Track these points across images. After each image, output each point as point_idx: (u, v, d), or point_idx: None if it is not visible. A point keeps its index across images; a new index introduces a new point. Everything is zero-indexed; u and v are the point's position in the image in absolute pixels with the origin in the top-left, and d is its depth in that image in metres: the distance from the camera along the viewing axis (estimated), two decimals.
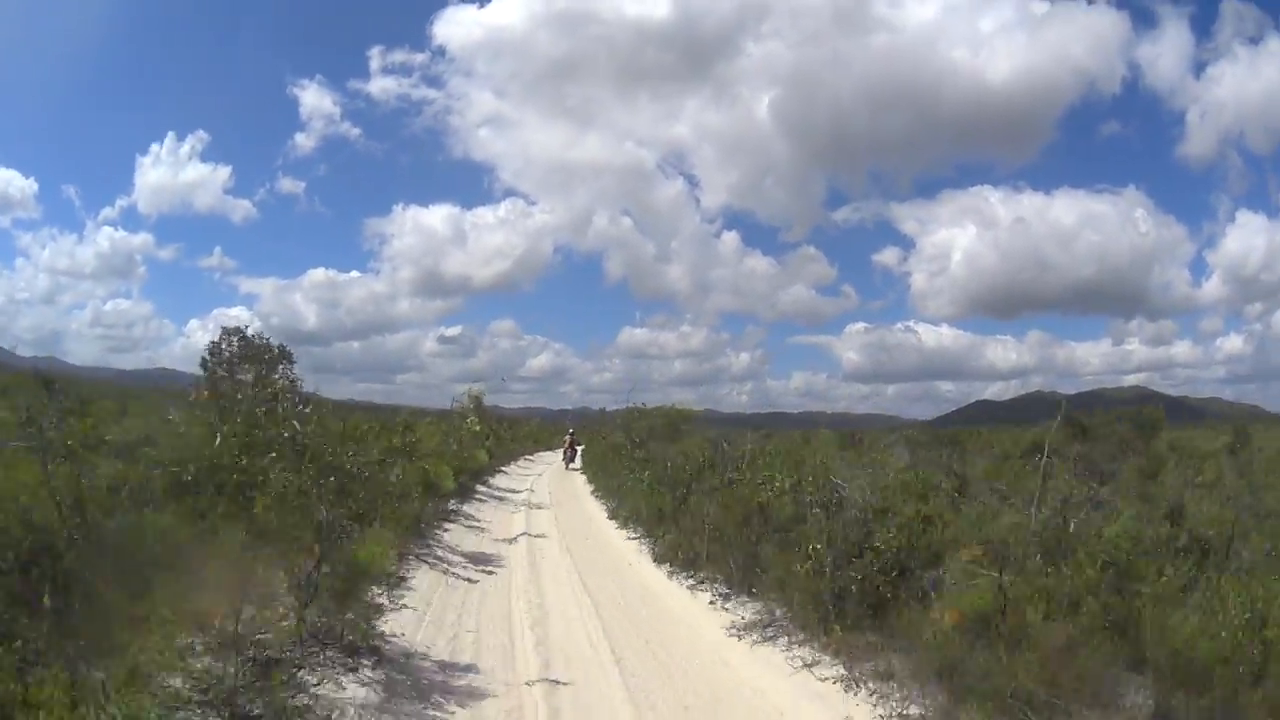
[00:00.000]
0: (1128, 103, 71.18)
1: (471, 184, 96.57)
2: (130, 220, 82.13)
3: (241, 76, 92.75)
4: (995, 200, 72.92)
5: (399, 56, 75.75)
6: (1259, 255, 63.88)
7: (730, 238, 79.90)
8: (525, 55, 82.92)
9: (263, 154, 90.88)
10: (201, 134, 70.26)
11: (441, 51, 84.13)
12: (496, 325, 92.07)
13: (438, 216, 76.75)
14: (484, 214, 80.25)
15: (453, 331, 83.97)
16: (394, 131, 79.46)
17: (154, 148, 70.10)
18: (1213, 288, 67.87)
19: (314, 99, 78.05)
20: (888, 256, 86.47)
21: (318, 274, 74.91)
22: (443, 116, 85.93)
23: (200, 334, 67.54)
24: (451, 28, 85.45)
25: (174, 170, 67.43)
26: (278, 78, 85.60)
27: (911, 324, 79.61)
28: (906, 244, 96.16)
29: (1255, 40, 60.64)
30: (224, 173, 69.55)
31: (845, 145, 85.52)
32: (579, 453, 31.34)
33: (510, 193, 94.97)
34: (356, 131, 74.38)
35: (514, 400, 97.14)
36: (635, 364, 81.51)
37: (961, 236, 74.28)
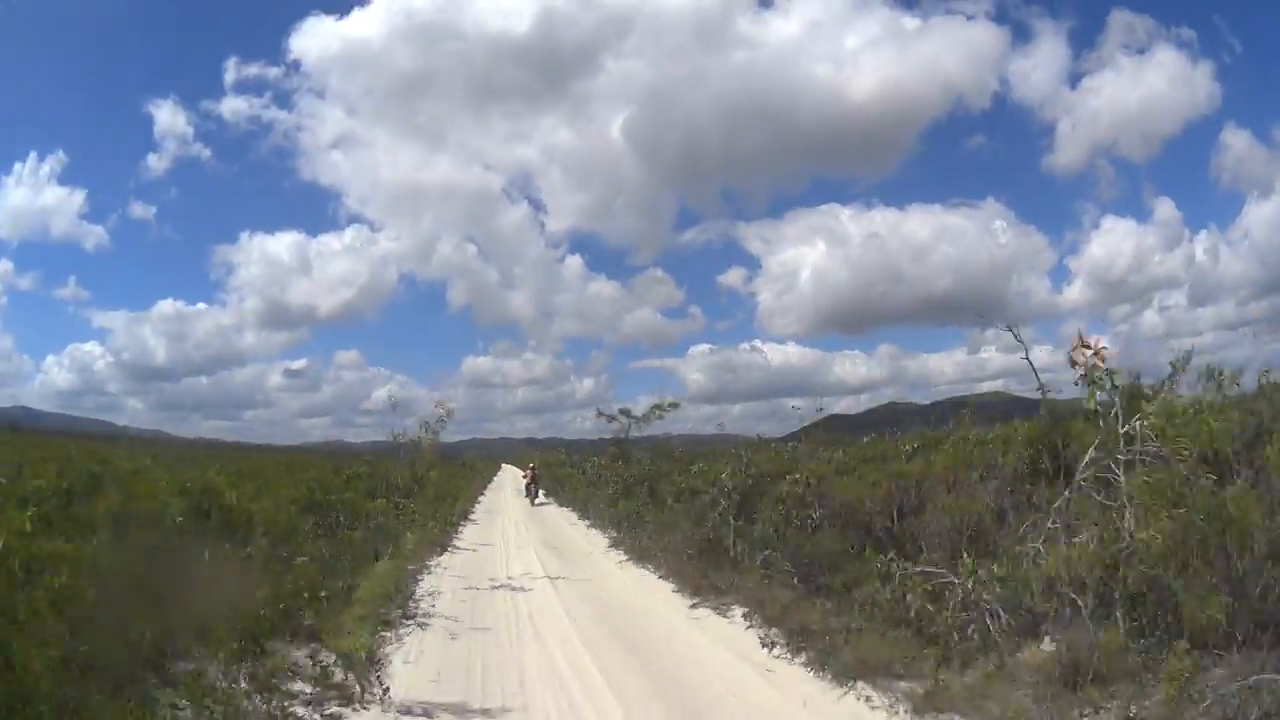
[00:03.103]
0: (995, 117, 71.04)
1: (318, 210, 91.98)
2: None
3: (101, 92, 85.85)
4: (845, 217, 73.04)
5: (254, 70, 70.02)
6: (1125, 259, 65.85)
7: (575, 262, 77.92)
8: (381, 70, 78.13)
9: (117, 176, 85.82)
10: (61, 155, 65.62)
11: (297, 65, 79.44)
12: (341, 357, 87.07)
13: (283, 244, 73.18)
14: (329, 241, 77.48)
15: (298, 365, 79.26)
16: (244, 154, 75.68)
17: (17, 167, 65.17)
18: (1075, 292, 68.73)
19: (168, 118, 72.15)
20: (734, 277, 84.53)
21: (166, 306, 70.98)
22: (293, 135, 79.40)
23: (57, 371, 66.81)
24: (309, 40, 79.58)
25: (34, 192, 63.31)
26: (135, 95, 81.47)
27: (757, 343, 78.47)
28: (753, 264, 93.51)
29: (1142, 50, 61.24)
30: (79, 197, 64.68)
31: (699, 164, 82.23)
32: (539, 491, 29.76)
33: (355, 219, 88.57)
34: (208, 153, 69.82)
35: (359, 435, 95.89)
36: (479, 393, 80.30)
37: (810, 254, 73.61)
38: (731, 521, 11.35)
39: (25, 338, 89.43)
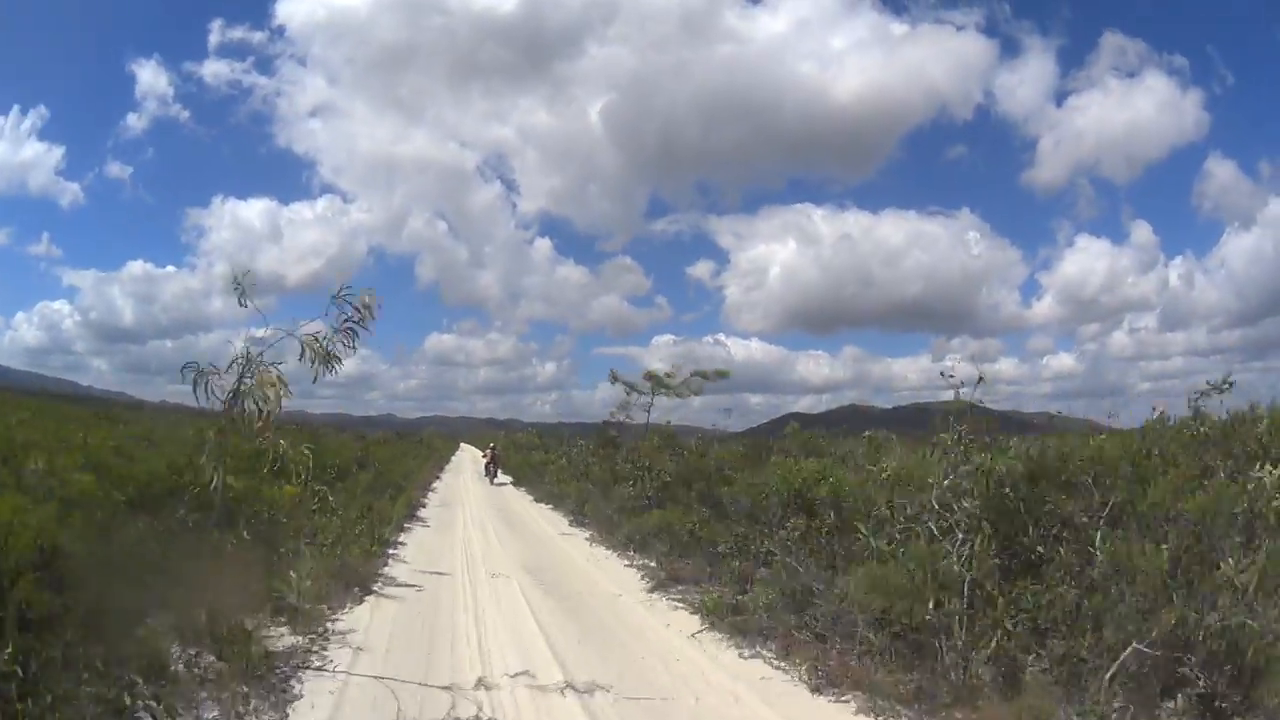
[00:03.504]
0: (978, 128, 70.91)
1: (291, 178, 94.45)
2: None
3: (85, 48, 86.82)
4: (819, 217, 72.87)
5: (238, 34, 71.15)
6: (1099, 279, 66.54)
7: (544, 245, 79.57)
8: (364, 40, 79.69)
9: (96, 134, 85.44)
10: (42, 109, 67.41)
11: (281, 31, 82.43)
12: (307, 327, 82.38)
13: (255, 211, 75.46)
14: (301, 210, 79.07)
15: (263, 333, 72.21)
16: (222, 118, 78.83)
17: (0, 120, 65.44)
18: (1044, 308, 70.19)
19: (150, 77, 74.83)
20: (702, 269, 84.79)
21: (136, 267, 73.01)
22: (272, 101, 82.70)
23: (26, 329, 68.22)
24: (295, 5, 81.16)
25: (14, 146, 64.27)
26: (118, 53, 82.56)
27: (721, 337, 79.42)
28: (722, 258, 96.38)
29: (1133, 74, 61.22)
30: (57, 153, 65.83)
31: (675, 155, 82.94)
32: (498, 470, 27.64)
33: (328, 189, 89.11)
34: (186, 115, 72.40)
35: (319, 406, 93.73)
36: (441, 371, 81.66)
37: (781, 251, 73.88)
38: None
39: None
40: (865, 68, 73.82)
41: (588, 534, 14.60)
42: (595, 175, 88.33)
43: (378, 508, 13.95)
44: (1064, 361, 73.59)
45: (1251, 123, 70.89)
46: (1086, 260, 68.17)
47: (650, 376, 19.60)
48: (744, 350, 77.65)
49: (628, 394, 20.38)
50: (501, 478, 27.33)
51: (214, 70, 68.21)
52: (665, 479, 13.40)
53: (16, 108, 70.23)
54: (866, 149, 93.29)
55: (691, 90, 77.66)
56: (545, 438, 39.82)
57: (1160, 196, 73.82)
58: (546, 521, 16.98)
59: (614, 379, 20.13)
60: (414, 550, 12.32)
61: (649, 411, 20.43)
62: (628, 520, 13.12)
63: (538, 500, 21.21)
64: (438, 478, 28.59)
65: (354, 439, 39.12)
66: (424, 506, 18.51)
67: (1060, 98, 73.15)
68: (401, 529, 13.98)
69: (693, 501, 12.61)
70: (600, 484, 16.93)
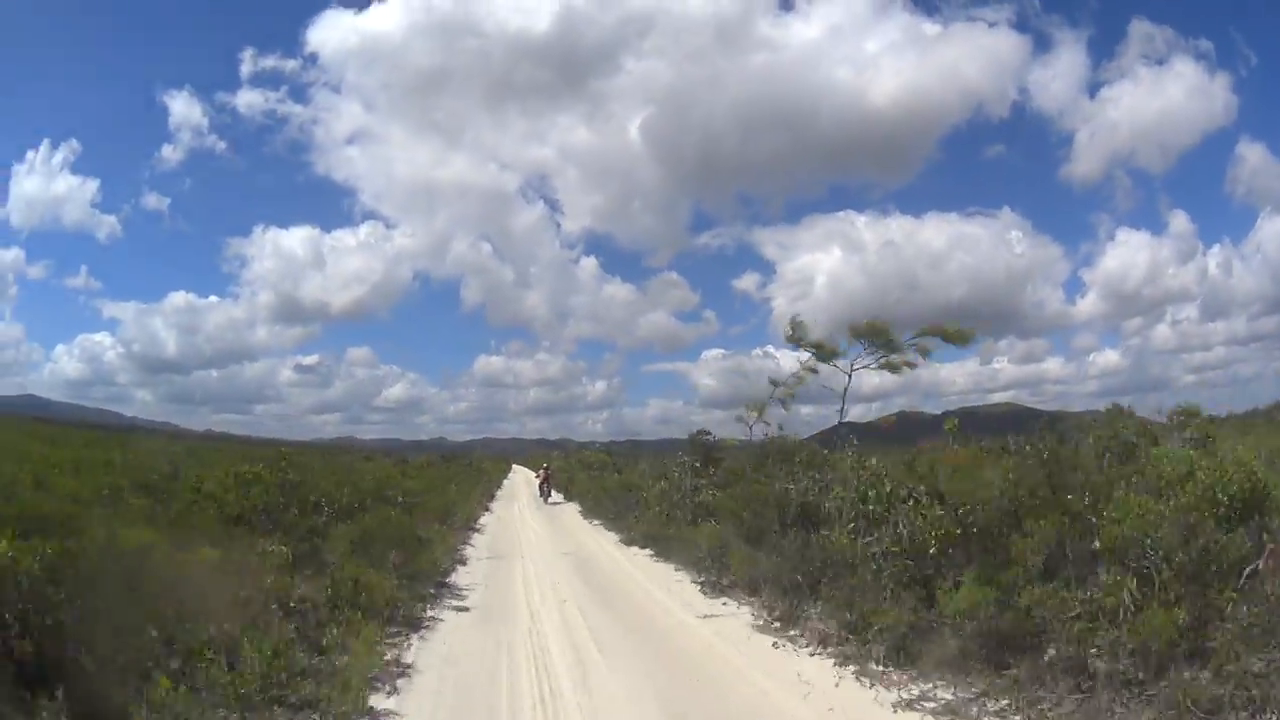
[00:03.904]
0: (1014, 125, 69.55)
1: (332, 205, 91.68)
2: (3, 234, 74.39)
3: (115, 80, 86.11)
4: (861, 224, 71.97)
5: (270, 62, 71.00)
6: (1140, 272, 65.38)
7: (590, 263, 77.84)
8: (398, 65, 76.56)
9: (131, 166, 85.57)
10: (74, 144, 65.11)
11: (314, 59, 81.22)
12: (353, 353, 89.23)
13: (297, 239, 72.62)
14: (343, 237, 76.74)
15: (310, 360, 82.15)
16: (258, 147, 75.48)
17: (29, 155, 66.08)
18: (1088, 305, 68.57)
19: (183, 109, 72.95)
20: (748, 281, 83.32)
21: (178, 298, 71.55)
22: (308, 129, 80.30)
23: (67, 361, 67.55)
24: (326, 33, 78.83)
25: (46, 181, 63.05)
26: (149, 85, 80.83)
27: (770, 349, 74.69)
28: (768, 269, 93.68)
29: (1161, 61, 60.09)
30: (92, 186, 64.46)
31: (715, 167, 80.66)
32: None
33: (370, 215, 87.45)
34: (223, 145, 69.20)
35: (370, 431, 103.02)
36: (490, 393, 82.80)
37: (826, 260, 71.97)
38: None
39: (35, 327, 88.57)
40: (900, 70, 70.54)
41: (761, 618, 7.74)
42: (637, 191, 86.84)
43: (364, 584, 7.38)
44: (1109, 358, 70.51)
45: (1277, 103, 68.77)
46: (1127, 254, 65.14)
47: (871, 330, 12.03)
48: (793, 362, 70.07)
49: (811, 359, 12.90)
50: (555, 496, 26.36)
51: (248, 100, 66.80)
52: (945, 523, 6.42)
53: (46, 141, 68.70)
54: (905, 152, 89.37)
55: (728, 101, 75.38)
56: (616, 455, 33.45)
57: (1195, 184, 69.75)
58: (666, 589, 10.13)
59: (793, 334, 12.68)
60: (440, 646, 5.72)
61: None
62: (883, 609, 6.19)
63: (627, 542, 14.50)
64: (486, 508, 22.19)
65: (395, 464, 33.63)
66: (463, 564, 11.95)
67: (1093, 89, 68.70)
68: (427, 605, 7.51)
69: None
70: (750, 523, 10.00)
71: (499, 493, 30.43)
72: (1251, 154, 64.13)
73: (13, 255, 68.60)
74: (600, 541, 15.23)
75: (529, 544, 14.97)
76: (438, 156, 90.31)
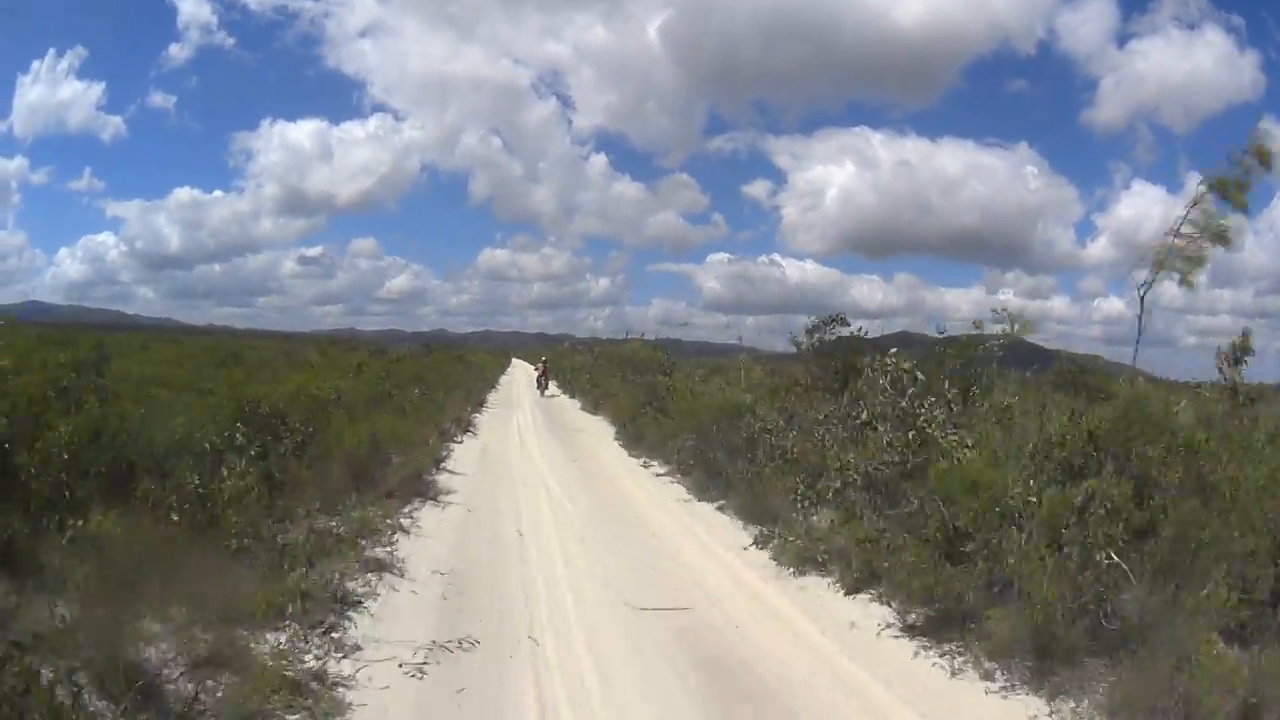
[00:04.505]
0: (1040, 63, 66.21)
1: (342, 98, 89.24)
2: (6, 145, 72.56)
3: None
4: (877, 142, 70.06)
5: None
6: (1153, 224, 53.90)
7: (600, 161, 74.90)
8: None
9: (137, 67, 79.86)
10: (80, 49, 61.79)
11: None
12: (357, 245, 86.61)
13: (305, 132, 69.69)
14: (352, 129, 73.70)
15: (313, 252, 79.47)
16: (268, 42, 70.82)
17: (35, 65, 63.58)
18: (1098, 249, 65.50)
19: (193, 7, 71.23)
20: (759, 189, 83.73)
21: (183, 194, 68.13)
22: (320, 23, 79.42)
23: (70, 263, 67.13)
24: None
25: (51, 89, 60.36)
26: None
27: (776, 257, 77.71)
28: (779, 178, 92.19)
29: (1193, 26, 58.86)
30: (97, 89, 61.60)
31: (734, 73, 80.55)
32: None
33: (380, 108, 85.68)
34: (231, 41, 66.70)
35: (371, 323, 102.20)
36: (494, 286, 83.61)
37: (838, 174, 69.90)
38: None
39: (38, 233, 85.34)
40: None
41: None
42: (652, 92, 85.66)
43: None
44: (1114, 305, 68.84)
45: None
46: (1142, 205, 61.75)
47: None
48: (799, 272, 74.70)
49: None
50: (552, 389, 26.45)
51: None
52: None
53: (52, 51, 64.37)
54: (927, 76, 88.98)
55: (751, 8, 74.18)
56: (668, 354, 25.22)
57: (1216, 151, 64.06)
58: None
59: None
60: None
61: None
62: None
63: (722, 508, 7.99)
64: (469, 430, 14.87)
65: (368, 355, 26.50)
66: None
67: (1122, 40, 67.22)
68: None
69: None
70: None
71: (492, 396, 23.50)
72: (1275, 133, 60.50)
73: (16, 164, 65.27)
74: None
75: (540, 507, 8.37)
76: (451, 50, 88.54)
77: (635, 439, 13.46)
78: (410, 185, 75.94)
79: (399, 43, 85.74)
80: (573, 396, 24.38)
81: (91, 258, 70.61)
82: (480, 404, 19.83)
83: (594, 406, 19.65)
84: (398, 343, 57.78)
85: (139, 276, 75.73)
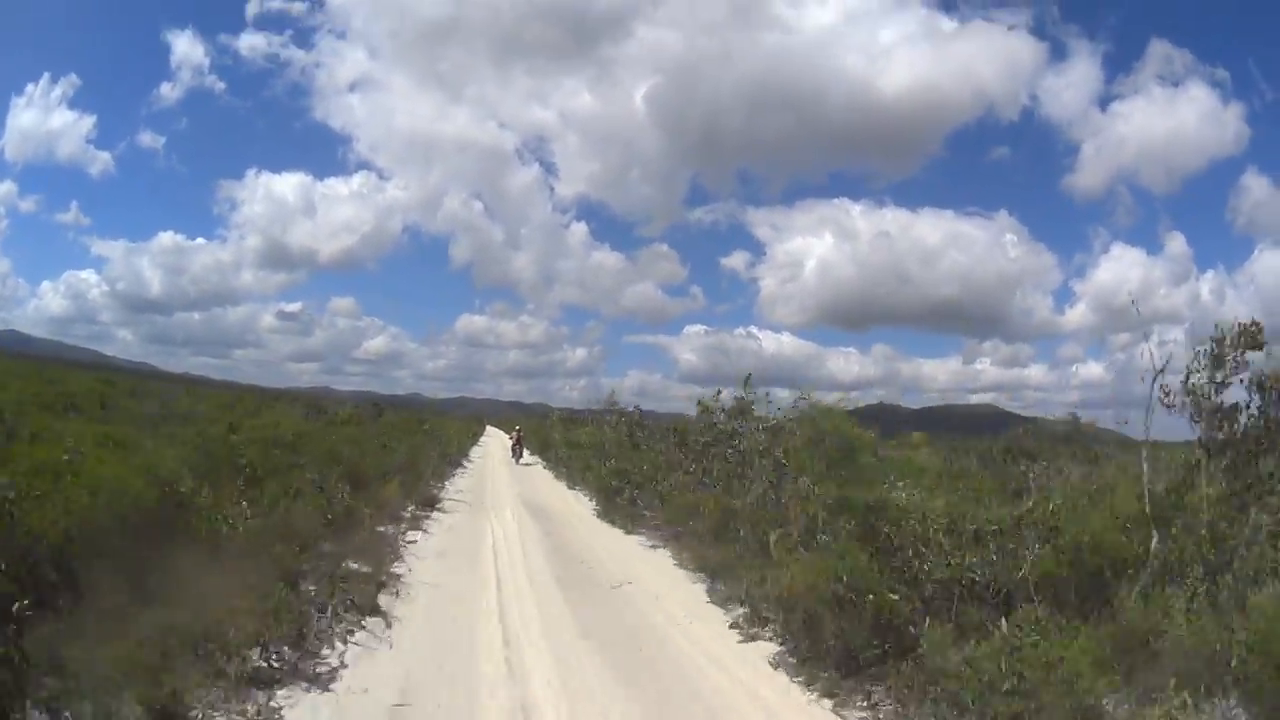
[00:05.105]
0: (1022, 130, 70.93)
1: (327, 153, 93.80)
2: None
3: (119, 17, 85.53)
4: (856, 213, 73.66)
5: (277, 4, 71.20)
6: (1132, 288, 62.54)
7: (580, 229, 79.40)
8: (407, 13, 79.50)
9: (129, 103, 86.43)
10: (74, 78, 65.89)
11: (321, 3, 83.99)
12: (337, 303, 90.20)
13: (289, 184, 73.09)
14: (336, 185, 77.30)
15: (293, 307, 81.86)
16: (258, 90, 77.18)
17: (29, 88, 66.31)
18: (1077, 315, 70.49)
19: (186, 47, 73.22)
20: (738, 260, 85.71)
21: (167, 238, 72.14)
22: (310, 73, 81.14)
23: (52, 297, 68.94)
24: None
25: (44, 115, 63.63)
26: (153, 23, 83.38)
27: (754, 329, 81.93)
28: (758, 249, 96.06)
29: (1177, 83, 61.90)
30: (88, 121, 65.08)
31: (718, 143, 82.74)
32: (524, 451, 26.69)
33: (364, 165, 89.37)
34: (222, 86, 69.96)
35: (347, 383, 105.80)
36: (470, 352, 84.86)
37: (818, 245, 73.95)
38: None
39: (23, 262, 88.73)
40: (913, 63, 71.92)
41: None
42: (636, 160, 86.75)
43: None
44: (1093, 370, 71.43)
45: None
46: (1120, 269, 66.20)
47: None
48: (775, 344, 76.47)
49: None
50: (528, 458, 26.07)
51: (251, 43, 67.23)
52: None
53: (46, 75, 67.89)
54: (910, 146, 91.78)
55: (737, 77, 76.81)
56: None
57: (1196, 209, 74.34)
58: None
59: None
60: None
61: None
62: None
63: None
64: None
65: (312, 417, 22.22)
66: None
67: (1104, 103, 70.30)
68: None
69: None
70: None
71: (464, 468, 18.58)
72: (1256, 186, 64.62)
73: (5, 188, 67.65)
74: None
75: None
76: (438, 110, 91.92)
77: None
78: (391, 245, 78.23)
79: (387, 98, 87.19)
80: (572, 486, 18.38)
81: (73, 294, 71.33)
82: (429, 502, 12.82)
83: (630, 523, 12.53)
84: (374, 404, 54.65)
85: (119, 318, 75.55)
